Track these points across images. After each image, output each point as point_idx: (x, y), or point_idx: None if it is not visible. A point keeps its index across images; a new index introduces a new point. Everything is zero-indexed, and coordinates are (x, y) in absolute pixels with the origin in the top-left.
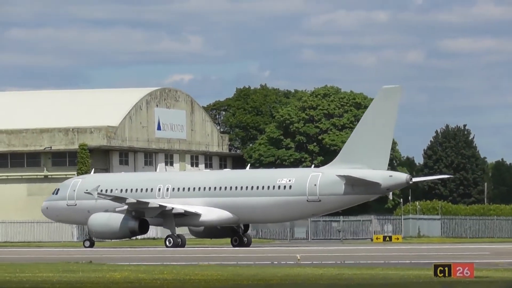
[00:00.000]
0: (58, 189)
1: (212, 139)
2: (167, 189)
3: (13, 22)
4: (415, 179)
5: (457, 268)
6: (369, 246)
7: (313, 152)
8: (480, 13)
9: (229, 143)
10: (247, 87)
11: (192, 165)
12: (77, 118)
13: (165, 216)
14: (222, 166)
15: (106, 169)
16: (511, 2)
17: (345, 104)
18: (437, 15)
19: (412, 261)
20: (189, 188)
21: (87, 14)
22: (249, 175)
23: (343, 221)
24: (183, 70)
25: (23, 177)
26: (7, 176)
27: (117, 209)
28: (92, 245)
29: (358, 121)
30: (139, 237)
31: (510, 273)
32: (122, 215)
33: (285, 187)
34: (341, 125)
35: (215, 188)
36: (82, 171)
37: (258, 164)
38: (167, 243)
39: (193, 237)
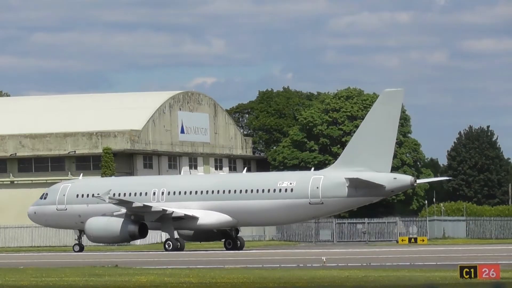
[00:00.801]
0: (47, 194)
1: (236, 142)
2: (162, 193)
3: (38, 27)
4: (419, 181)
5: (483, 270)
6: (394, 248)
7: (337, 154)
8: (504, 13)
9: (252, 146)
10: (270, 89)
11: (216, 168)
12: (100, 122)
13: (164, 220)
14: (247, 169)
15: (130, 173)
16: None
17: (368, 106)
18: (460, 16)
19: (437, 263)
20: (185, 192)
21: (110, 18)
22: (249, 179)
23: (368, 223)
24: (206, 73)
25: (47, 181)
26: (32, 180)
27: (115, 213)
28: (81, 249)
29: None
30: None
31: None
32: (120, 219)
33: (286, 190)
34: None
35: (212, 191)
36: (107, 175)
37: (282, 167)
38: (167, 246)
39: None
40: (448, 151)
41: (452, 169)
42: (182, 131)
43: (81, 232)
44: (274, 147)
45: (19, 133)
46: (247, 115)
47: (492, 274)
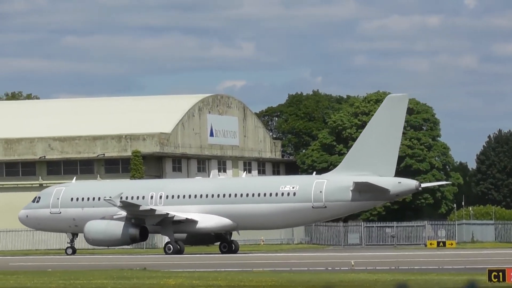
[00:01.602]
0: (39, 197)
1: (265, 145)
2: (160, 196)
3: (67, 30)
4: (423, 185)
5: None
6: (422, 251)
7: None
8: None
9: (282, 149)
10: (299, 93)
11: (245, 171)
12: (129, 125)
13: (164, 223)
14: (275, 172)
15: (159, 176)
16: None
17: None
18: (490, 19)
19: (466, 266)
20: (184, 196)
21: (140, 21)
22: (250, 183)
23: (397, 226)
24: (235, 77)
25: None
26: (61, 183)
27: (114, 216)
28: (74, 252)
29: (410, 126)
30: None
31: None
32: (121, 223)
33: (288, 194)
34: None
35: (212, 195)
36: (136, 178)
37: (311, 170)
38: (167, 249)
39: None
40: (477, 154)
41: (481, 172)
42: (211, 134)
43: (74, 235)
44: (303, 151)
45: (48, 136)
46: (276, 119)
47: None
